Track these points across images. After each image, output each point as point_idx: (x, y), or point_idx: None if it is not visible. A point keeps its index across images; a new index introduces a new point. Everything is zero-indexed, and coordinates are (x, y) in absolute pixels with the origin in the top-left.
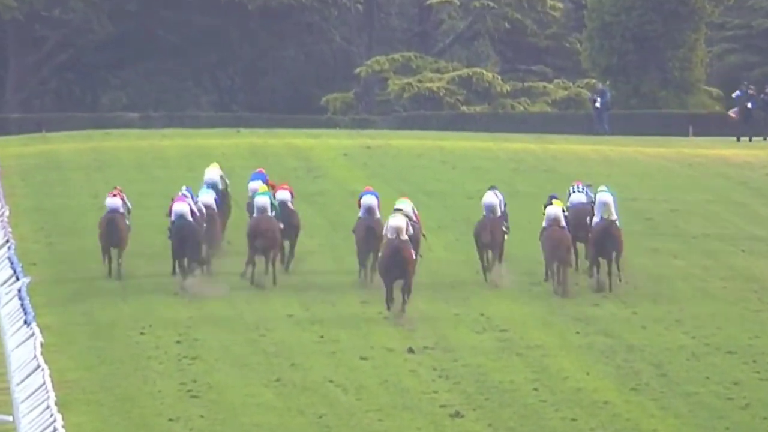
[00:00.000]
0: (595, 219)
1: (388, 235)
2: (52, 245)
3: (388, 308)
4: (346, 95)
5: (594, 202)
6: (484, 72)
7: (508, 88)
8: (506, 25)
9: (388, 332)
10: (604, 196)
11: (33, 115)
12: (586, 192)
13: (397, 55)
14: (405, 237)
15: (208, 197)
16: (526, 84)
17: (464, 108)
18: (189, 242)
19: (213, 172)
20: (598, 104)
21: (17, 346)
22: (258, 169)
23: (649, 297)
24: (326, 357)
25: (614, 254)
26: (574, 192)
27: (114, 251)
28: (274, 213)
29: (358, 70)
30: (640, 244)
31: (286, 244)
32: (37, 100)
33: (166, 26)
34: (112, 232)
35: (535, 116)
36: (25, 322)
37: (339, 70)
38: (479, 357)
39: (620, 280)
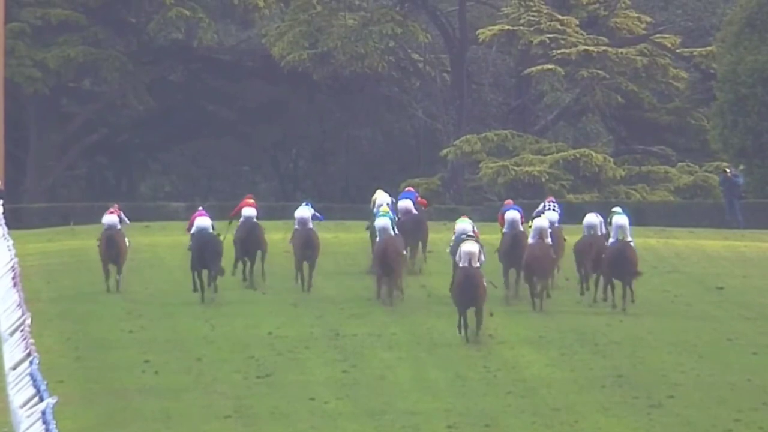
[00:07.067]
0: (611, 240)
1: (461, 262)
2: (81, 359)
3: (460, 332)
4: (430, 181)
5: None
6: (594, 153)
7: (622, 173)
8: (620, 98)
9: None
10: (619, 218)
11: (59, 205)
12: (602, 220)
13: (490, 134)
14: (477, 264)
15: (305, 211)
16: (643, 168)
17: (570, 196)
18: (209, 253)
19: (383, 197)
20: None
21: None
22: (407, 188)
23: None
24: None
25: (629, 276)
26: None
27: (114, 268)
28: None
29: (444, 151)
30: None
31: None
32: (63, 188)
33: (217, 100)
34: (112, 248)
35: (655, 206)
36: None
37: (422, 152)
38: None
39: (633, 301)
